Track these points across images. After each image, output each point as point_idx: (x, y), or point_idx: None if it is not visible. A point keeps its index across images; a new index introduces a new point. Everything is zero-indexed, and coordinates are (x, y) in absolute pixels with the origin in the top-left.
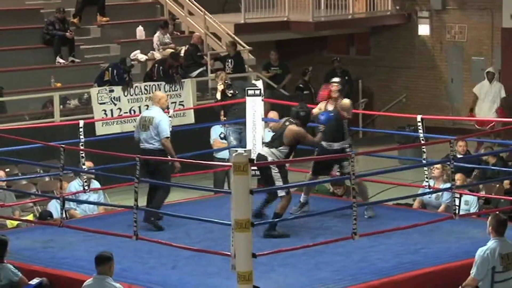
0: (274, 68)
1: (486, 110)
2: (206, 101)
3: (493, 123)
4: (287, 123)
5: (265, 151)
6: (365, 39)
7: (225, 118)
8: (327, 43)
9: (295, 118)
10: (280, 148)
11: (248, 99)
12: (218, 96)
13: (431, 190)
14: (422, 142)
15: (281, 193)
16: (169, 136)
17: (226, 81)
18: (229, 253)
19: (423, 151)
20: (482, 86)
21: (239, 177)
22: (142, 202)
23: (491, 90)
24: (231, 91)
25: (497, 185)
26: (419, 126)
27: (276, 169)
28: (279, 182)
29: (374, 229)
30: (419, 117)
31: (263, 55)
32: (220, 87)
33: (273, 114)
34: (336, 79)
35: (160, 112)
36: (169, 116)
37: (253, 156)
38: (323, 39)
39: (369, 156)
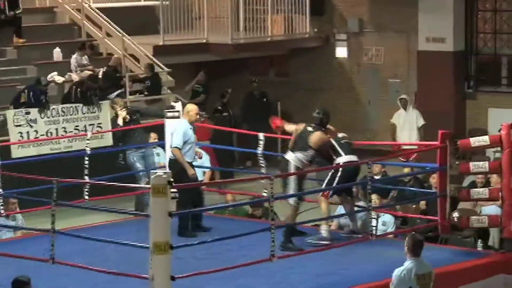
0: (197, 86)
1: (406, 139)
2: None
3: (414, 155)
4: (309, 128)
5: (289, 156)
6: (284, 61)
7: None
8: (247, 65)
9: (319, 124)
10: (305, 152)
11: (167, 121)
12: (120, 121)
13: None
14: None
15: (290, 201)
16: (178, 147)
17: (127, 107)
18: (147, 276)
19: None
20: (399, 115)
21: (158, 199)
22: (59, 225)
23: (407, 118)
24: (129, 117)
25: (414, 206)
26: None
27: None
28: (291, 190)
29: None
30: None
31: (183, 77)
32: (122, 113)
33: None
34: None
35: (179, 123)
36: (87, 139)
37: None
38: (244, 61)
39: None
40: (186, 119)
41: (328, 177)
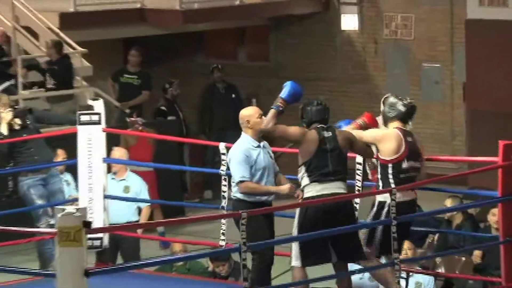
0: (130, 76)
1: None
2: None
3: None
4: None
5: (341, 186)
6: (262, 37)
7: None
8: (205, 43)
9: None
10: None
11: (80, 128)
12: (4, 130)
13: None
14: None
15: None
16: (244, 179)
17: (13, 107)
18: None
19: None
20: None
21: (67, 250)
22: None
23: None
24: (20, 122)
25: (463, 259)
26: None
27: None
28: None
29: None
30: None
31: (106, 61)
32: (7, 115)
33: (119, 153)
34: None
35: (238, 143)
36: None
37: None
38: (199, 36)
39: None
40: (246, 132)
41: (370, 217)
